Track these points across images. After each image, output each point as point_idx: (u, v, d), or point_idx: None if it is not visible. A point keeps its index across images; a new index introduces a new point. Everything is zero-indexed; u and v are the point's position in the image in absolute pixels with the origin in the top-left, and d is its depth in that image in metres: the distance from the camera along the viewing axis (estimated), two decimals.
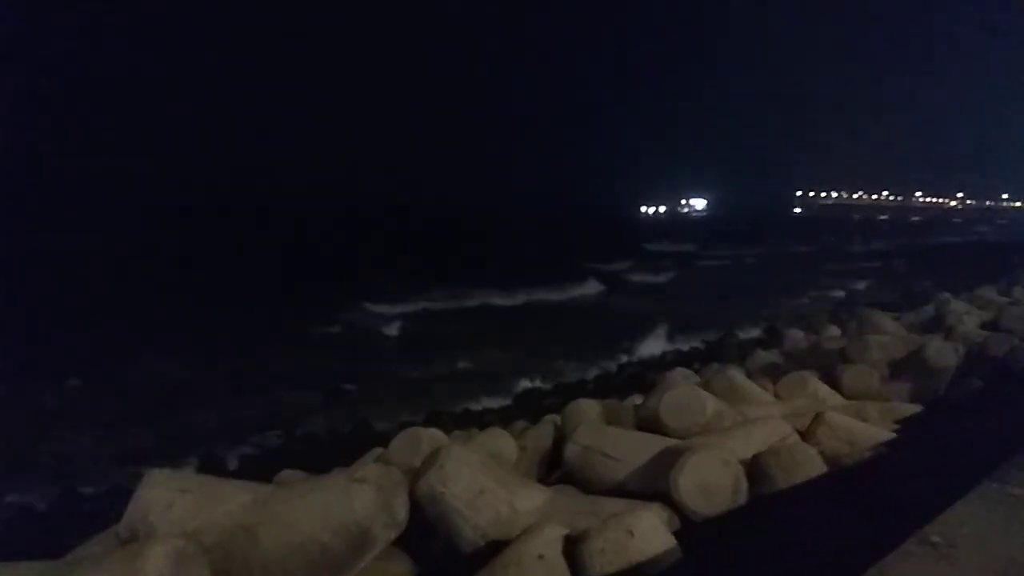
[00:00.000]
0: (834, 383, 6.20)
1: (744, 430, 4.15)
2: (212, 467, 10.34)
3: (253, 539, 3.15)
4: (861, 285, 32.27)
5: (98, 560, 2.90)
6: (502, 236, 69.96)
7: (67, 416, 13.08)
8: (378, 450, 5.41)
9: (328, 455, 9.53)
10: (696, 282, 38.58)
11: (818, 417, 4.17)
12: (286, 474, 5.67)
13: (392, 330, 23.20)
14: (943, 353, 6.34)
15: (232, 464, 10.78)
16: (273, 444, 11.94)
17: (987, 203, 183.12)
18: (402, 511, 3.41)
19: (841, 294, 29.00)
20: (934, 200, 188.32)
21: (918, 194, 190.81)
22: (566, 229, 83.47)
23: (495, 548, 3.17)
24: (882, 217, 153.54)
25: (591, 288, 34.89)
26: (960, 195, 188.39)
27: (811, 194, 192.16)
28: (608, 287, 35.50)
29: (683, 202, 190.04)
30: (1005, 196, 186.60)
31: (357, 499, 3.25)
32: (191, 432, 12.34)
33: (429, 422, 11.49)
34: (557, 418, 5.40)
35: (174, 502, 3.24)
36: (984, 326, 8.32)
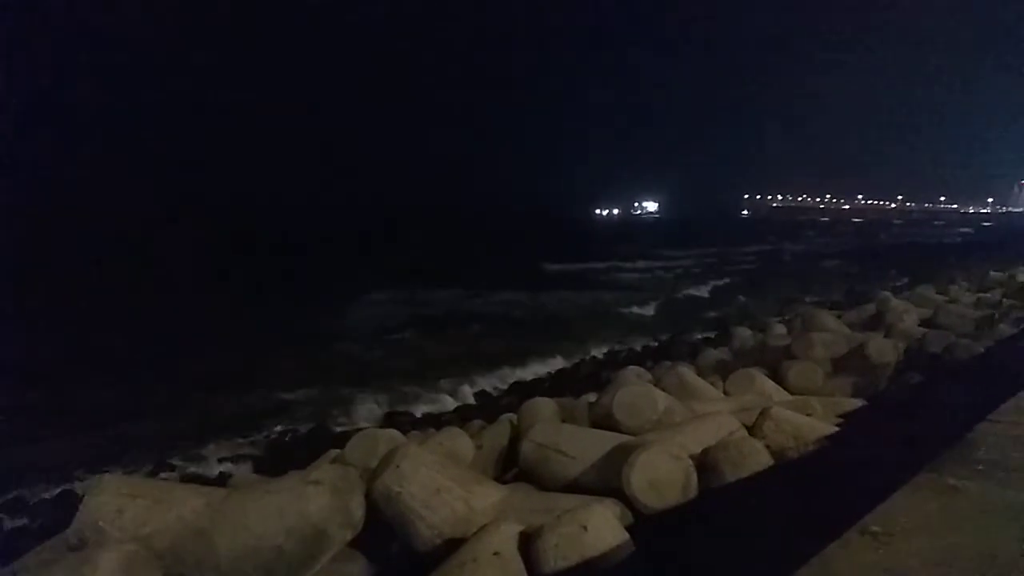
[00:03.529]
0: (780, 379, 6.40)
1: (694, 426, 4.25)
2: (164, 472, 10.10)
3: (207, 543, 3.12)
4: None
5: (47, 567, 2.85)
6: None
7: (14, 419, 12.61)
8: (334, 452, 5.39)
9: (284, 457, 9.43)
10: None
11: (764, 412, 4.28)
12: (240, 477, 5.62)
13: (355, 331, 22.80)
14: (883, 350, 6.59)
15: (185, 468, 10.53)
16: (228, 447, 11.70)
17: (926, 205, 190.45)
18: (358, 512, 3.42)
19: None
20: (875, 202, 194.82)
21: (859, 196, 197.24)
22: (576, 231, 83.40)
23: (452, 546, 3.19)
24: (823, 219, 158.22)
25: (704, 291, 33.70)
26: (900, 197, 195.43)
27: (758, 197, 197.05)
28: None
29: (636, 204, 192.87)
30: (943, 199, 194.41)
31: (312, 501, 3.25)
32: (142, 436, 12.00)
33: (386, 423, 11.44)
34: (513, 417, 5.45)
35: (125, 507, 3.19)
36: (923, 323, 8.64)
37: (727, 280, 37.58)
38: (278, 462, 9.03)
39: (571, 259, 48.86)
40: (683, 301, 30.15)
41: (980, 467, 2.09)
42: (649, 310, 26.72)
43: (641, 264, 48.39)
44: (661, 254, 56.12)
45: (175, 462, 10.92)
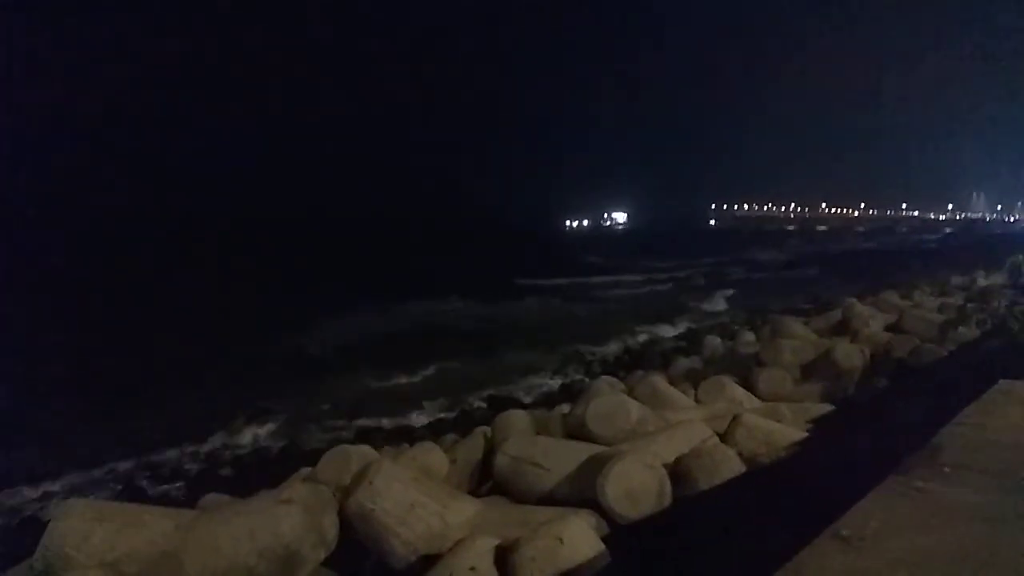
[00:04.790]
0: (750, 386, 6.47)
1: (667, 434, 4.26)
2: (132, 494, 9.86)
3: (177, 567, 3.05)
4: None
5: None
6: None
7: None
8: (306, 470, 5.33)
9: (254, 477, 9.25)
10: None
11: (736, 419, 4.33)
12: (210, 498, 5.51)
13: (327, 346, 22.41)
14: (850, 355, 6.69)
15: (154, 490, 10.31)
16: (197, 468, 11.47)
17: (888, 212, 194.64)
18: (331, 530, 3.37)
19: None
20: (839, 210, 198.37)
21: (823, 205, 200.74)
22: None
23: (427, 562, 3.17)
24: (790, 227, 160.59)
25: (720, 305, 31.99)
26: (863, 205, 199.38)
27: (724, 207, 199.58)
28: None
29: (605, 216, 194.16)
30: (905, 205, 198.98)
31: (284, 521, 3.21)
32: (107, 458, 11.71)
33: (358, 438, 11.32)
34: (487, 430, 5.42)
35: (92, 532, 3.11)
36: (888, 328, 8.77)
37: (731, 292, 35.84)
38: (248, 482, 8.87)
39: (565, 273, 47.36)
40: (707, 317, 27.45)
41: (946, 469, 2.12)
42: (681, 328, 23.26)
43: (635, 278, 47.05)
44: (649, 266, 54.84)
45: (142, 484, 10.69)
